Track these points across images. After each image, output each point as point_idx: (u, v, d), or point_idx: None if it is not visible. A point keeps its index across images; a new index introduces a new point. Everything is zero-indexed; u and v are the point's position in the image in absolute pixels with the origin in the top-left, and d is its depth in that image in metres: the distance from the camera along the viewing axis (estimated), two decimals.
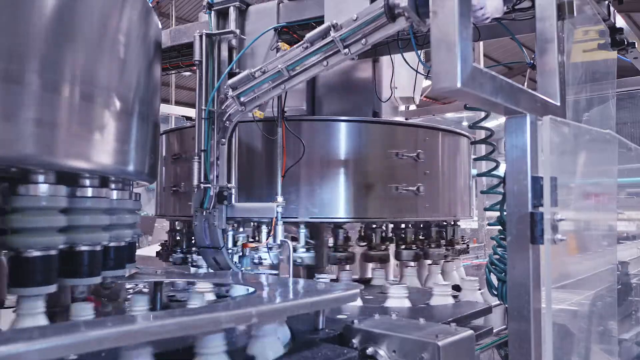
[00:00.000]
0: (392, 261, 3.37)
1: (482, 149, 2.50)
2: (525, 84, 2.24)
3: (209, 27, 2.59)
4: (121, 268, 1.97)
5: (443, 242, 3.33)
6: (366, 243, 3.23)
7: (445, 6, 1.25)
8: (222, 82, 2.48)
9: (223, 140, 2.50)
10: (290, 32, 2.57)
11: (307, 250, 2.77)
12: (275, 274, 2.73)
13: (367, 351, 1.61)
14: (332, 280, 2.73)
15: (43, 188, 1.58)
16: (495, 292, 2.08)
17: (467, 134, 3.45)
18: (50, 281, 1.61)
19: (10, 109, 1.46)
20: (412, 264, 3.21)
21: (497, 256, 2.04)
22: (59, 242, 1.63)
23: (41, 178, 1.58)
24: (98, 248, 1.78)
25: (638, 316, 3.32)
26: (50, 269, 1.61)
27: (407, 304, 2.37)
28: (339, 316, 2.03)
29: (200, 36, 2.51)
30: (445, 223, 3.38)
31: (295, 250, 2.70)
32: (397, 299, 2.38)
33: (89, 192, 1.75)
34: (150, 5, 2.14)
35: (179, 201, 3.17)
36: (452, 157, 3.23)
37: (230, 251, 2.58)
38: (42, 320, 1.59)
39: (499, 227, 2.01)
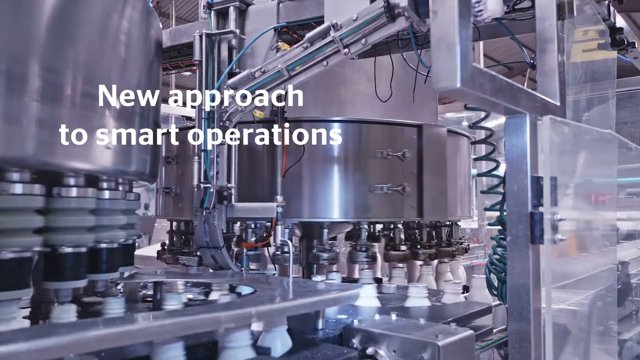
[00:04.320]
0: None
1: (482, 149, 2.49)
2: (525, 84, 2.24)
3: (208, 27, 2.59)
4: (113, 271, 1.89)
5: (435, 242, 3.32)
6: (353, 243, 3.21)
7: (445, 6, 1.25)
8: (222, 82, 2.48)
9: (223, 140, 2.50)
10: (290, 32, 2.57)
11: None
12: (274, 274, 2.73)
13: (367, 351, 1.61)
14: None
15: (17, 187, 1.52)
16: (495, 292, 2.08)
17: (466, 133, 3.45)
18: (24, 285, 1.53)
19: (11, 109, 1.46)
20: (400, 265, 3.21)
21: (497, 256, 2.04)
22: (34, 243, 1.56)
23: (15, 177, 1.53)
24: (83, 250, 1.72)
25: (638, 316, 3.32)
26: (24, 271, 1.53)
27: (427, 303, 2.35)
28: (339, 316, 2.03)
29: (200, 36, 2.51)
30: (440, 223, 3.37)
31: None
32: (418, 299, 2.36)
33: (71, 191, 1.69)
34: (150, 5, 2.14)
35: (173, 202, 3.18)
36: (451, 157, 3.23)
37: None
38: (17, 325, 1.53)
39: (499, 227, 2.01)
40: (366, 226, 3.05)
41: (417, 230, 3.34)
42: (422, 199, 2.94)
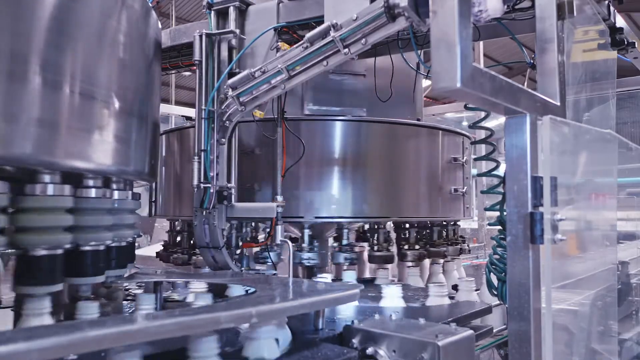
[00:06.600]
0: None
1: (482, 149, 2.49)
2: (525, 84, 2.24)
3: (208, 27, 2.58)
4: (123, 267, 2.02)
5: (441, 241, 3.33)
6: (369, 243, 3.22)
7: (445, 6, 1.25)
8: (222, 82, 2.48)
9: (223, 140, 2.50)
10: (290, 32, 2.56)
11: (311, 250, 2.77)
12: (274, 274, 2.73)
13: (367, 351, 1.61)
14: (333, 280, 2.73)
15: (49, 188, 1.62)
16: (495, 292, 2.08)
17: (466, 133, 3.45)
18: (55, 280, 1.65)
19: (11, 109, 1.46)
20: (410, 263, 3.22)
21: (497, 256, 2.04)
22: (65, 241, 1.68)
23: (47, 178, 1.62)
24: (102, 247, 1.83)
25: (638, 316, 3.32)
26: (56, 268, 1.66)
27: (447, 301, 2.41)
28: (339, 316, 2.03)
29: (200, 36, 2.50)
30: (445, 223, 3.38)
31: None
32: (438, 298, 2.40)
33: (93, 192, 1.81)
34: (150, 5, 2.14)
35: (169, 202, 3.19)
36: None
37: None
38: (48, 320, 1.60)
39: (499, 227, 2.00)
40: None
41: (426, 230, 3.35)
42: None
